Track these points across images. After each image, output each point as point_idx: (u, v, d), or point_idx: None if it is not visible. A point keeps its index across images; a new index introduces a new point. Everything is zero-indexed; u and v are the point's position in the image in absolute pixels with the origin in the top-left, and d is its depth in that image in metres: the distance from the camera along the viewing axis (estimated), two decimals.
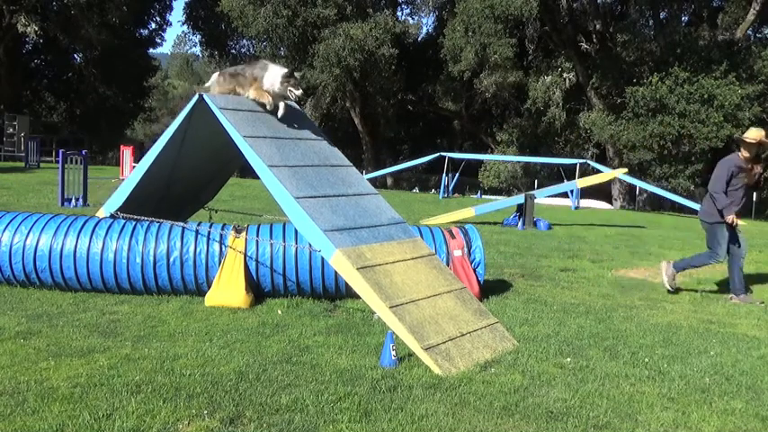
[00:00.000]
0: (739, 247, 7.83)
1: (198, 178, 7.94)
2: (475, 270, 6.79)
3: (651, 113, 27.82)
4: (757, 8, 29.33)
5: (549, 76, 31.81)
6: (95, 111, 39.50)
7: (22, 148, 28.95)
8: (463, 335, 5.12)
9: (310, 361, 4.75)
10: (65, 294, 6.39)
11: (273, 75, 6.39)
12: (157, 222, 6.50)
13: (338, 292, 6.49)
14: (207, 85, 6.94)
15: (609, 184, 30.10)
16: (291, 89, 6.43)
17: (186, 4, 39.59)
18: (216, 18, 36.58)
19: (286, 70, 6.47)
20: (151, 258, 6.29)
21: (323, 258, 5.78)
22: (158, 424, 3.59)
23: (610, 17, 34.57)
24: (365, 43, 30.37)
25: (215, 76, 6.94)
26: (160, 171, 7.03)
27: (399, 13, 37.19)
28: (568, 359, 5.08)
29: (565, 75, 31.89)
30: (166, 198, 7.64)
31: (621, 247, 12.48)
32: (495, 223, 15.42)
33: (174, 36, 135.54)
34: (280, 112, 6.51)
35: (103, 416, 3.64)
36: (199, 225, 6.56)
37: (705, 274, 9.69)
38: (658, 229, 17.09)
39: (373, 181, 26.01)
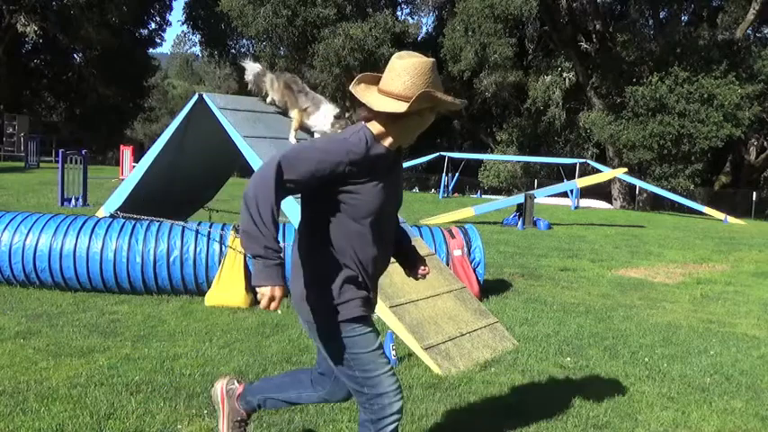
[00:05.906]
0: None
1: (198, 178, 7.94)
2: (475, 270, 6.79)
3: (651, 113, 27.83)
4: (757, 8, 29.33)
5: (549, 76, 31.81)
6: (95, 110, 39.48)
7: (22, 147, 28.96)
8: (463, 335, 5.12)
9: (310, 361, 4.74)
10: (65, 294, 6.39)
11: (324, 114, 6.35)
12: (157, 222, 6.49)
13: None
14: (252, 76, 6.73)
15: (609, 183, 30.10)
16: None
17: (186, 3, 39.58)
18: (216, 18, 36.52)
19: (337, 111, 6.39)
20: (151, 258, 6.29)
21: None
22: (158, 424, 3.58)
23: (610, 17, 34.59)
24: (365, 43, 30.36)
25: (270, 76, 6.71)
26: (160, 171, 7.03)
27: (399, 13, 37.16)
28: (568, 359, 5.08)
29: (565, 74, 31.89)
30: (166, 198, 7.64)
31: (621, 246, 12.48)
32: (494, 223, 15.42)
33: (174, 36, 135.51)
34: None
35: (103, 416, 3.64)
36: (199, 225, 6.56)
37: (705, 274, 9.70)
38: (658, 229, 17.09)
39: None
